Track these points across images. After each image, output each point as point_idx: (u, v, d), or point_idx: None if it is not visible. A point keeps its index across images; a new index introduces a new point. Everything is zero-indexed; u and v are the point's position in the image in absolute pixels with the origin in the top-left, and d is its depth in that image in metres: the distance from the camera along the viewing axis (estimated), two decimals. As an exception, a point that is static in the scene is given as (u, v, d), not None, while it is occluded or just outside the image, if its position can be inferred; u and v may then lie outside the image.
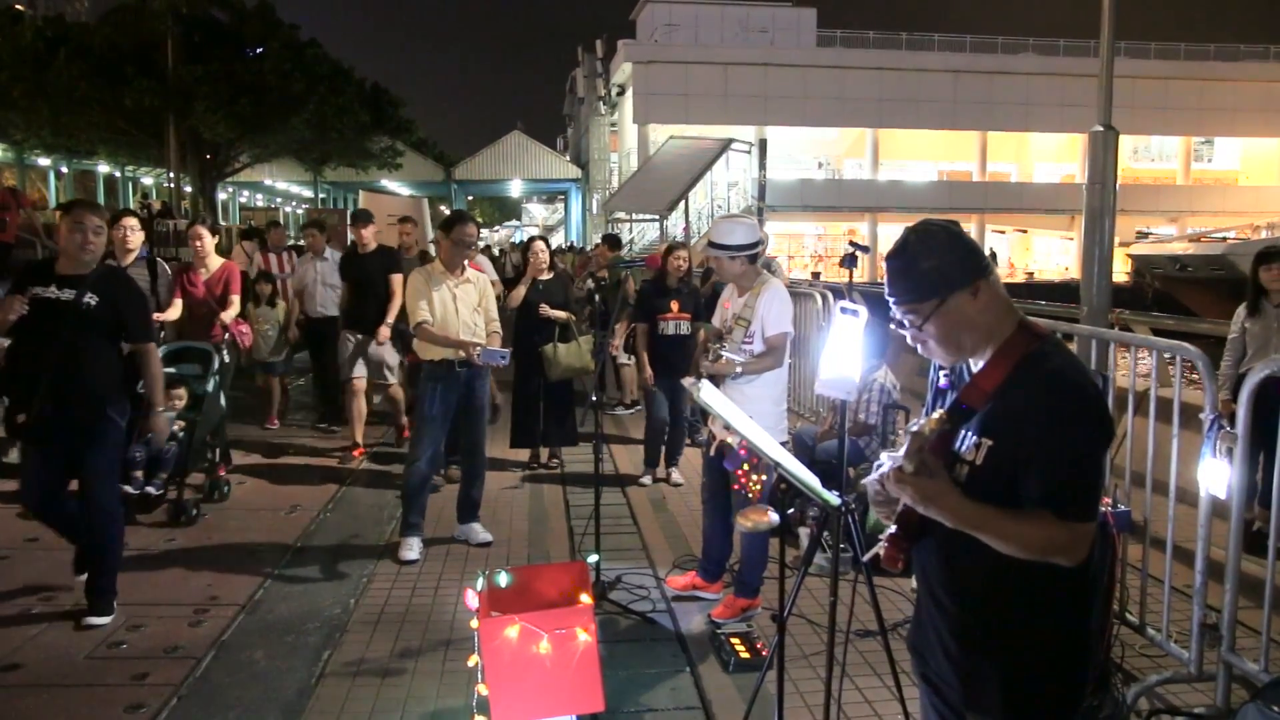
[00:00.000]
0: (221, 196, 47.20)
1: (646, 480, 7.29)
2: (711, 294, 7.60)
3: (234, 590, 5.03)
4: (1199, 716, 3.58)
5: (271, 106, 31.87)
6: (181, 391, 6.48)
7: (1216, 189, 47.27)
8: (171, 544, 5.76)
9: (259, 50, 32.68)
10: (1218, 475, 3.64)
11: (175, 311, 7.10)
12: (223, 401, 6.84)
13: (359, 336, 7.86)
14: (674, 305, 7.20)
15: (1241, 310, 5.95)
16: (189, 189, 35.83)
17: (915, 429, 2.00)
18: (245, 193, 55.95)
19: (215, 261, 7.57)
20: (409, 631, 4.57)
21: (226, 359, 6.87)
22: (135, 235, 6.67)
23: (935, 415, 2.03)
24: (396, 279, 7.65)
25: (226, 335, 7.31)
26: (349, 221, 8.38)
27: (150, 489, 6.05)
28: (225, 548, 5.75)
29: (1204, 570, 3.70)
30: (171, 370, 6.42)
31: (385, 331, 7.81)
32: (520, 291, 7.35)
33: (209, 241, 7.60)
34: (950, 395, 2.12)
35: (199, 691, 3.96)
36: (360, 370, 7.93)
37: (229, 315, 7.32)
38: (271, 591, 5.07)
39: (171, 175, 32.93)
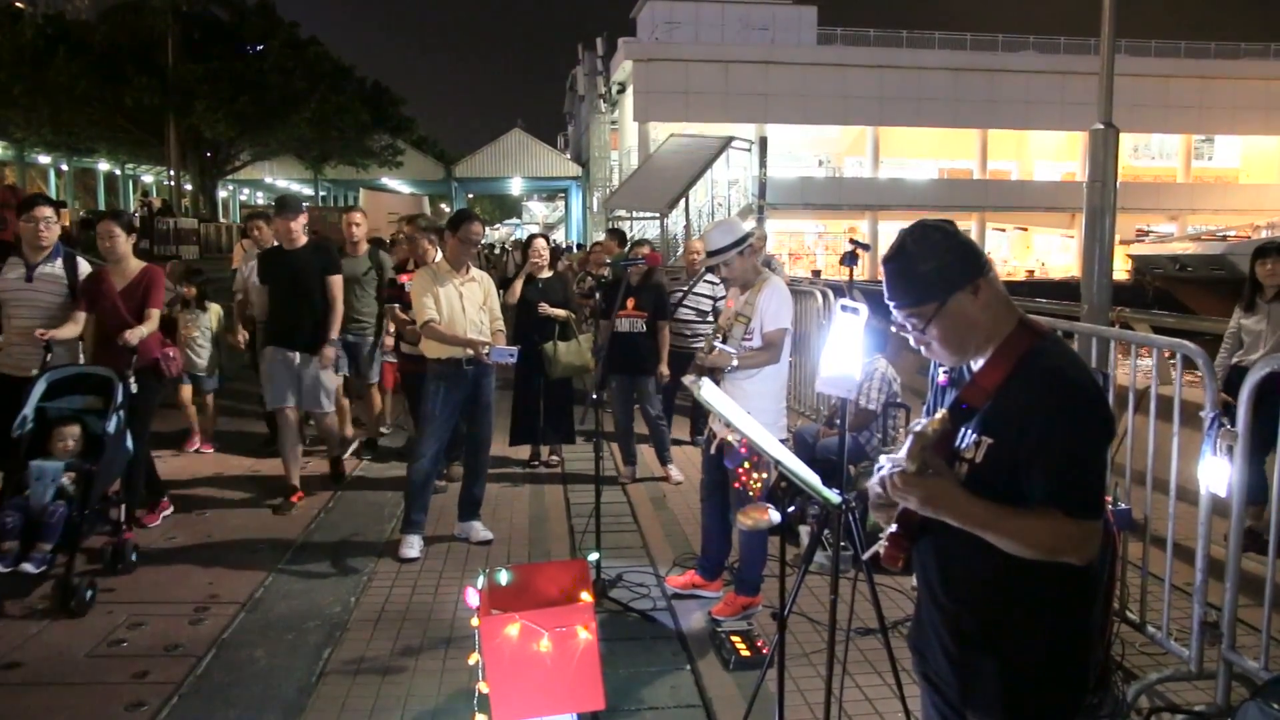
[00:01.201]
0: (222, 194, 47.25)
1: (625, 479, 7.30)
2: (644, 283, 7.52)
3: (234, 588, 5.03)
4: (1199, 714, 3.58)
5: (272, 104, 31.94)
6: (75, 430, 5.10)
7: (1217, 187, 47.22)
8: (172, 541, 5.76)
9: (259, 48, 32.71)
10: (1218, 473, 3.64)
11: (73, 328, 5.46)
12: (130, 444, 5.34)
13: (291, 355, 6.45)
14: (630, 303, 7.19)
15: (1239, 306, 5.97)
16: (189, 187, 35.85)
17: (918, 429, 1.99)
18: (246, 190, 56.02)
19: (133, 265, 5.73)
20: (410, 630, 4.57)
21: (134, 388, 5.35)
22: (50, 229, 5.52)
23: (938, 416, 2.02)
24: (336, 282, 6.53)
25: (171, 355, 5.89)
26: (272, 211, 6.81)
27: (27, 566, 4.56)
28: (226, 545, 5.75)
29: (1204, 568, 3.70)
30: (61, 404, 5.18)
31: (330, 353, 6.51)
32: (517, 287, 7.35)
33: (122, 241, 5.70)
34: (951, 392, 2.12)
35: (199, 690, 3.97)
36: (291, 397, 6.50)
37: (137, 334, 5.43)
38: (272, 589, 5.07)
39: (172, 173, 32.92)
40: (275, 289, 6.54)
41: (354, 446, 7.91)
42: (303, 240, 6.48)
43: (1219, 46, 45.48)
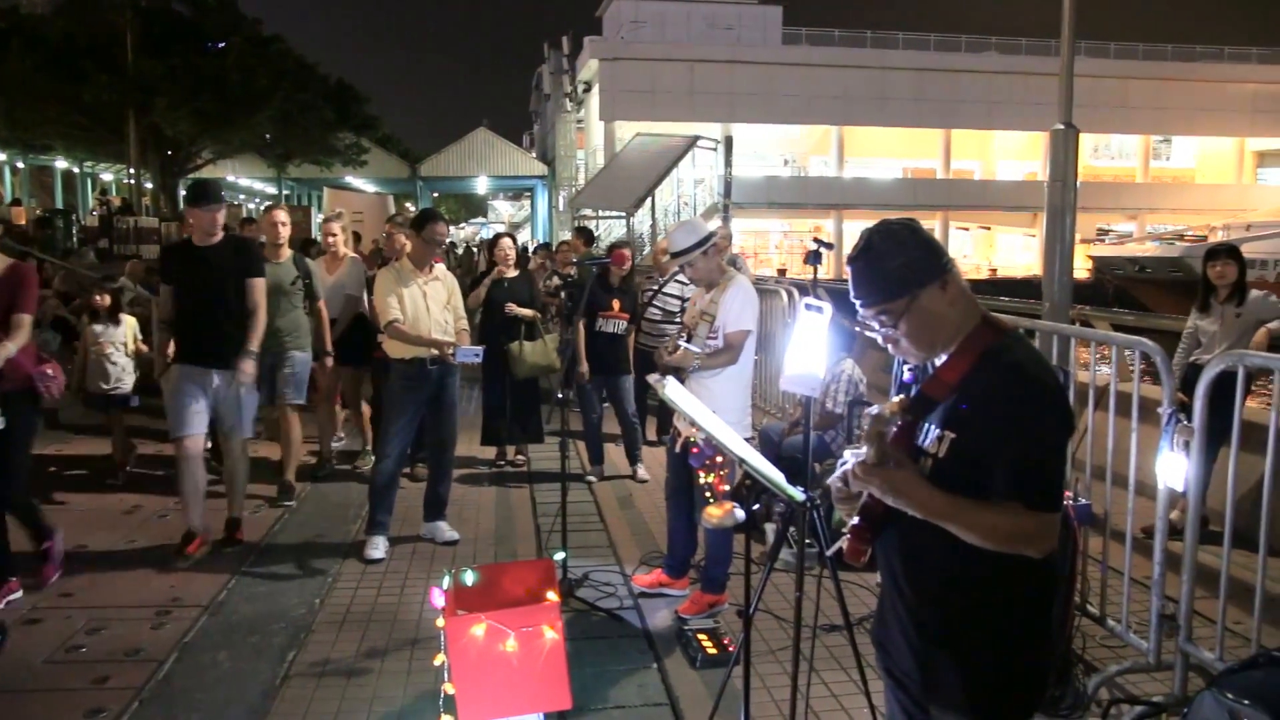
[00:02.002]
0: (183, 193, 46.60)
1: (591, 479, 7.30)
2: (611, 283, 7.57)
3: (197, 591, 4.97)
4: (1157, 705, 3.63)
5: (234, 102, 31.51)
6: None
7: (1174, 187, 47.91)
8: (132, 545, 5.68)
9: (221, 45, 32.29)
10: (1175, 468, 3.70)
11: None
12: None
13: (204, 373, 5.38)
14: (614, 304, 7.22)
15: (1194, 307, 6.08)
16: (150, 185, 35.35)
17: (876, 411, 2.01)
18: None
19: None
20: (375, 631, 4.54)
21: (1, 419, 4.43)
22: None
23: (896, 399, 2.04)
24: (258, 286, 5.55)
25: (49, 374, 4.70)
26: (185, 202, 5.73)
27: None
28: (211, 544, 5.68)
29: (1162, 562, 3.76)
30: None
31: (249, 368, 5.42)
32: (481, 292, 7.32)
33: None
34: (914, 388, 2.13)
35: (161, 695, 3.92)
36: (199, 424, 5.38)
37: (3, 352, 4.41)
38: (235, 592, 5.02)
39: (132, 171, 32.43)
40: (185, 293, 5.44)
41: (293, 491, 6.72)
42: (218, 236, 5.46)
43: (1175, 49, 46.16)
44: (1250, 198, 43.25)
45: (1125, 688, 3.90)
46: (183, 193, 45.45)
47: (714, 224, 5.11)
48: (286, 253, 6.67)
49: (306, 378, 6.66)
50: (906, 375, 2.19)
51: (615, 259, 6.85)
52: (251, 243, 6.08)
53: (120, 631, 4.47)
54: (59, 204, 38.43)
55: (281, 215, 6.72)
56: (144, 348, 7.16)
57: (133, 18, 29.52)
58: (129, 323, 7.07)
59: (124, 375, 6.97)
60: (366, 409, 7.84)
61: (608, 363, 7.29)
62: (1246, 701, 2.79)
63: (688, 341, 4.65)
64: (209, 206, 5.39)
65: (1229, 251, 5.94)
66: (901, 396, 2.04)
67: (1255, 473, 3.93)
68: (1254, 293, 5.86)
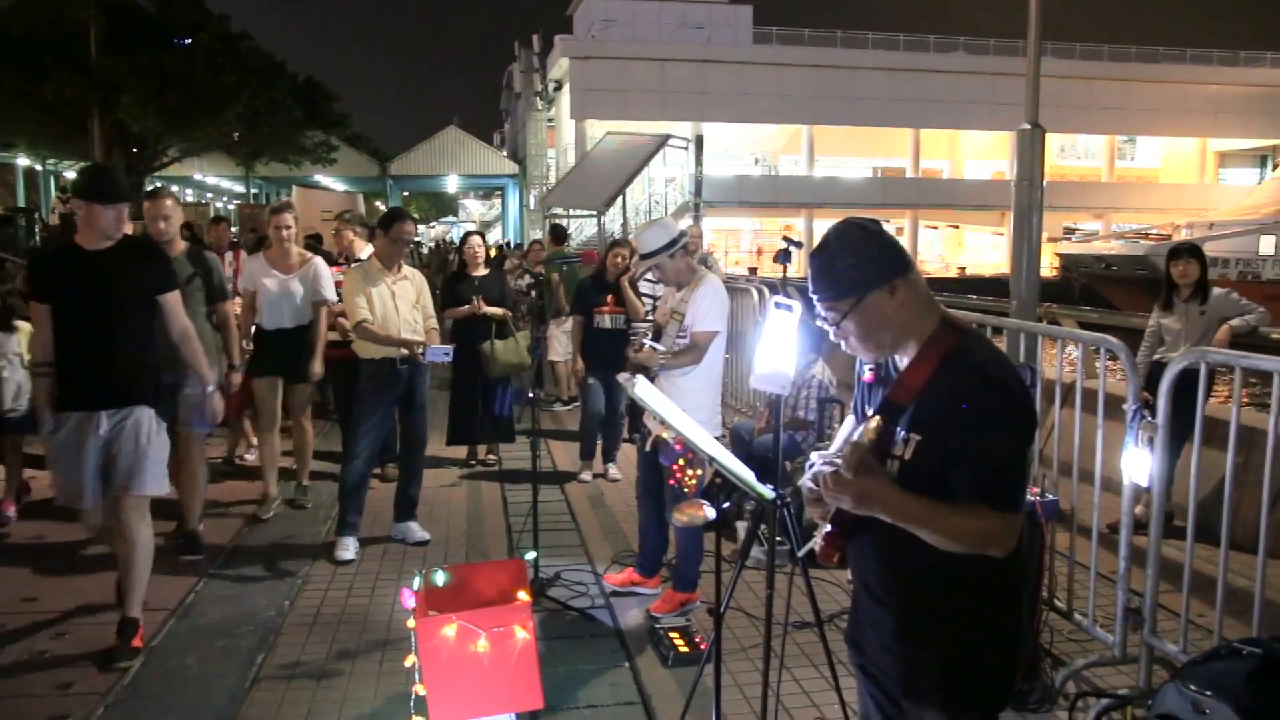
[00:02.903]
0: (72, 176, 46.04)
1: (586, 476, 7.28)
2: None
3: (164, 594, 4.91)
4: (1123, 698, 3.68)
5: (201, 99, 31.16)
6: None
7: (1139, 186, 48.54)
8: (96, 548, 5.61)
9: (188, 41, 31.93)
10: (1140, 464, 3.75)
11: None
12: None
13: (92, 419, 4.11)
14: (610, 299, 7.21)
15: (1157, 306, 6.15)
16: (114, 183, 34.86)
17: (855, 439, 2.04)
18: (174, 188, 54.69)
19: None
20: (345, 633, 4.51)
21: None
22: None
23: (871, 425, 2.06)
24: (173, 304, 4.41)
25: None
26: (74, 192, 4.35)
27: None
28: (155, 550, 5.59)
29: (1127, 556, 3.81)
30: None
31: (217, 403, 4.77)
32: (462, 311, 7.23)
33: None
34: (876, 390, 2.17)
35: (127, 699, 3.87)
36: (93, 491, 4.16)
37: None
38: (203, 595, 4.98)
39: (96, 169, 31.98)
40: (65, 313, 4.12)
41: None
42: (116, 236, 4.18)
43: (1139, 50, 46.74)
44: (1212, 197, 43.89)
45: (1092, 681, 3.94)
46: (110, 182, 44.81)
47: (685, 223, 5.11)
48: (180, 246, 5.53)
49: (216, 400, 4.85)
50: (867, 376, 2.22)
51: (584, 258, 6.85)
52: (158, 247, 4.86)
53: (84, 636, 4.41)
54: (21, 202, 37.86)
55: (166, 205, 5.41)
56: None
57: (96, 13, 29.09)
58: (24, 330, 5.99)
59: (20, 394, 5.98)
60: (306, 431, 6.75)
61: (607, 358, 7.15)
62: (1209, 693, 2.84)
63: (655, 340, 4.66)
64: (111, 204, 4.11)
65: (1191, 251, 6.02)
66: (878, 420, 2.06)
67: (1218, 468, 3.99)
68: (1216, 290, 5.95)
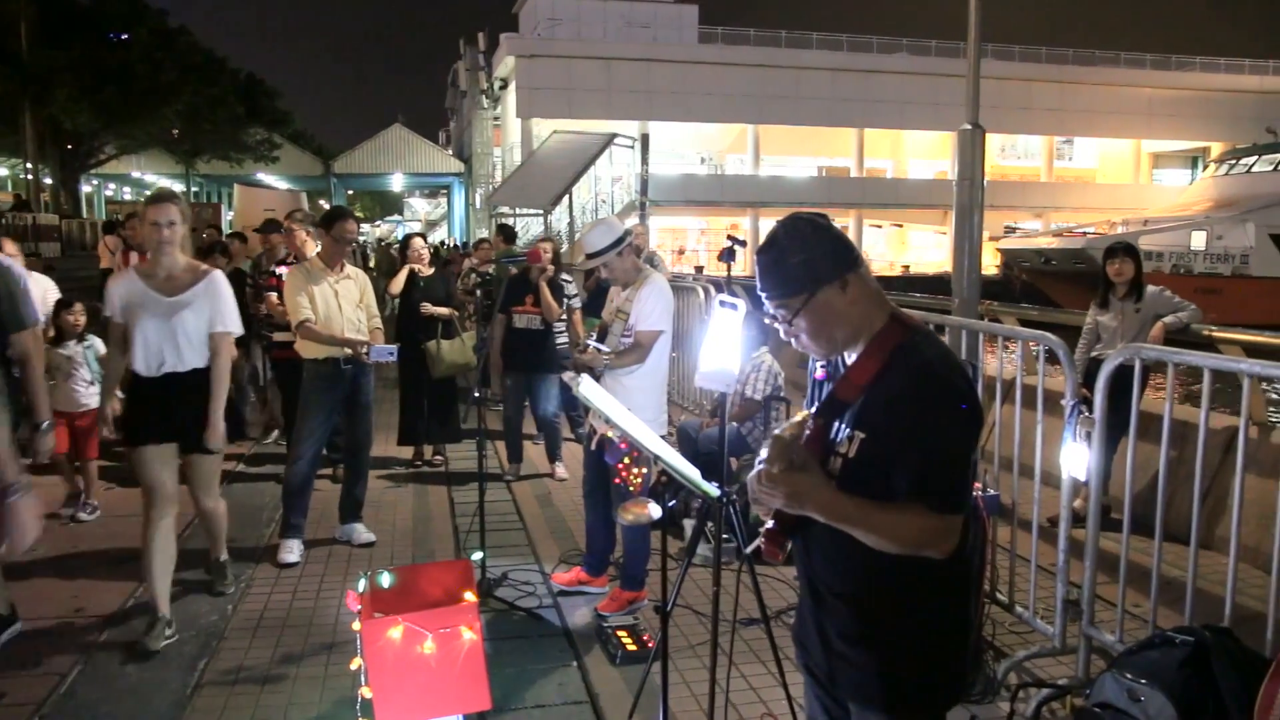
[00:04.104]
0: (86, 189, 45.14)
1: (510, 477, 7.27)
2: (596, 288, 7.62)
3: (101, 601, 4.81)
4: (1062, 688, 3.75)
5: (139, 96, 30.58)
6: None
7: (1077, 186, 49.54)
8: (32, 554, 5.45)
9: (124, 36, 31.28)
10: (1078, 458, 3.83)
11: None
12: None
13: None
14: (529, 299, 7.16)
15: (1094, 303, 6.28)
16: (49, 181, 34.08)
17: (776, 432, 2.02)
18: (112, 185, 53.60)
19: None
20: (290, 636, 4.45)
21: None
22: None
23: (796, 419, 2.05)
24: (25, 344, 3.87)
25: None
26: None
27: None
28: (92, 556, 5.50)
29: (1066, 549, 3.89)
30: None
31: (48, 442, 3.94)
32: (400, 279, 7.21)
33: None
34: (828, 387, 2.13)
35: (63, 709, 3.78)
36: None
37: None
38: (143, 600, 4.87)
39: (29, 166, 31.19)
40: None
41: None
42: None
43: (1076, 53, 47.73)
44: (1146, 197, 44.98)
45: (1033, 671, 4.01)
46: (85, 189, 43.94)
47: (630, 222, 5.11)
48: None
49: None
50: (819, 373, 2.18)
51: (530, 257, 6.79)
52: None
53: (19, 644, 4.30)
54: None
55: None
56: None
57: (27, 5, 28.37)
58: None
59: None
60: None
61: (523, 358, 7.21)
62: (1144, 681, 2.90)
63: (601, 340, 4.66)
64: None
65: (1126, 250, 6.16)
66: (804, 414, 2.05)
67: (1153, 462, 4.09)
68: (1150, 289, 6.09)
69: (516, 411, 7.44)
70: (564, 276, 7.79)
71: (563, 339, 7.30)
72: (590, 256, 4.66)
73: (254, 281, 7.78)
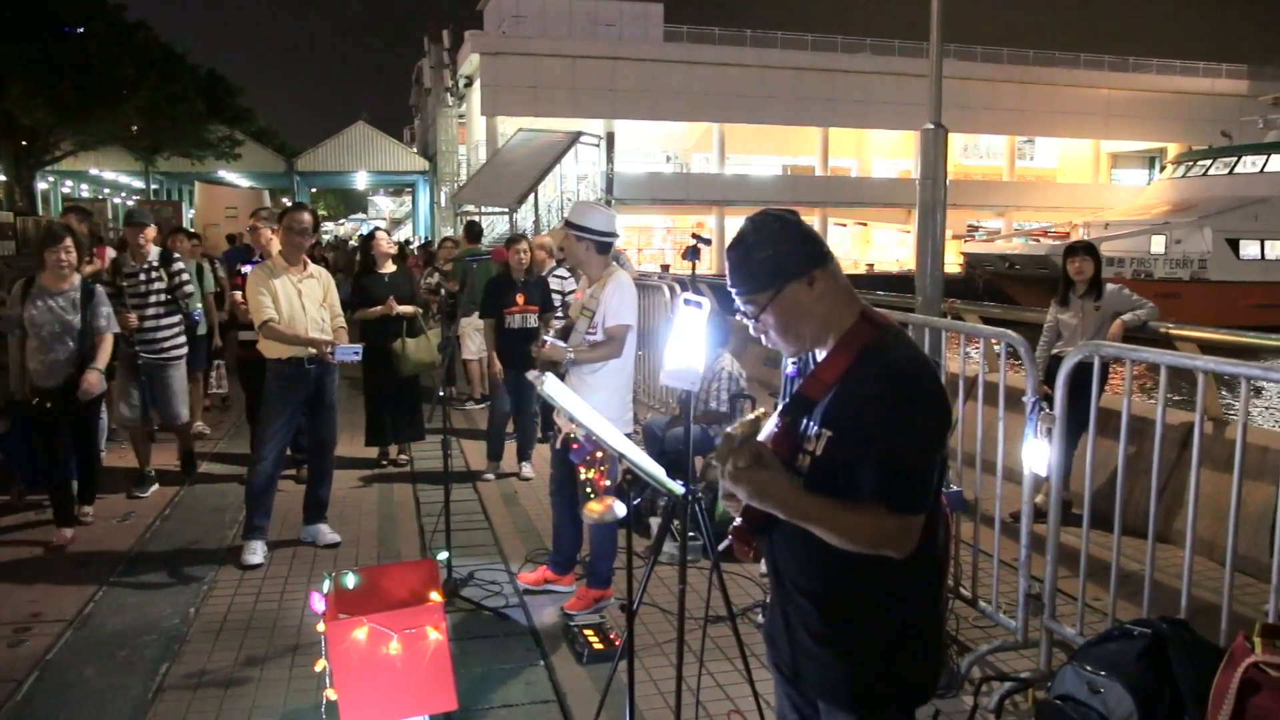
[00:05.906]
0: (42, 186, 44.39)
1: (490, 475, 7.23)
2: (537, 279, 7.53)
3: (60, 605, 4.74)
4: (1024, 681, 3.80)
5: (96, 91, 30.07)
6: None
7: (1038, 185, 50.14)
8: (-9, 557, 5.39)
9: (80, 30, 30.75)
10: (1039, 454, 3.87)
11: None
12: None
13: None
14: (519, 299, 7.15)
15: (1054, 301, 6.36)
16: (3, 178, 33.48)
17: (728, 430, 2.01)
18: (69, 183, 52.76)
19: None
20: (254, 639, 4.41)
21: None
22: None
23: (749, 417, 2.06)
24: None
25: None
26: None
27: None
28: (50, 560, 5.42)
29: (1028, 544, 3.94)
30: None
31: None
32: (375, 311, 7.11)
33: None
34: (799, 383, 2.12)
35: (21, 717, 3.73)
36: None
37: None
38: (103, 604, 4.80)
39: (-19, 163, 30.61)
40: None
41: None
42: None
43: (1036, 54, 48.26)
44: (1105, 196, 45.65)
45: (996, 665, 4.06)
46: (41, 186, 43.19)
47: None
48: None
49: None
50: (790, 369, 2.18)
51: (495, 255, 6.76)
52: None
53: (-25, 650, 4.23)
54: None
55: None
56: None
57: (-23, -3, 27.84)
58: None
59: None
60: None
61: (520, 357, 7.11)
62: (1103, 672, 2.95)
63: (564, 339, 4.65)
64: None
65: (1086, 249, 6.24)
66: (756, 414, 2.05)
67: (1112, 458, 4.15)
68: (1109, 286, 6.17)
69: (505, 412, 7.37)
70: (559, 272, 7.78)
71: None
72: (573, 227, 4.59)
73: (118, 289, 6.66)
